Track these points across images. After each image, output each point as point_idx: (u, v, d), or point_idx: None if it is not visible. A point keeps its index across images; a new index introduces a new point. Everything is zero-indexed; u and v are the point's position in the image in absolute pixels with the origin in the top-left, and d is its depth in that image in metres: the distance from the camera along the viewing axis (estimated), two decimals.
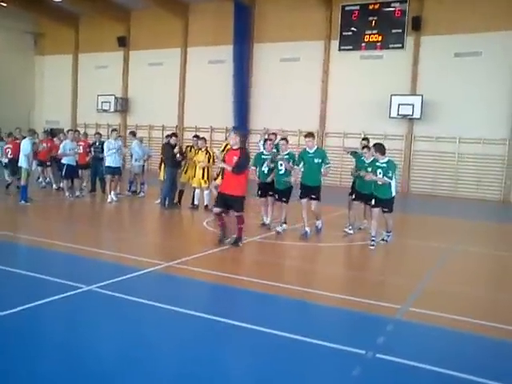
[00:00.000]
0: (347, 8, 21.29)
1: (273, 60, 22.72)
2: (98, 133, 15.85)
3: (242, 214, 8.41)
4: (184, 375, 3.98)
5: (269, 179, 10.08)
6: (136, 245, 8.78)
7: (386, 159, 8.81)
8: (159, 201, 12.86)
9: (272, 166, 9.97)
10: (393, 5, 20.53)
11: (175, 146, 12.72)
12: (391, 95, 19.67)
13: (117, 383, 3.79)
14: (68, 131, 14.85)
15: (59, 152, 13.78)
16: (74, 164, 13.72)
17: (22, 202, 12.10)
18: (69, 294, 5.59)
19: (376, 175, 8.77)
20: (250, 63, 23.26)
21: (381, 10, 20.76)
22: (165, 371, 3.98)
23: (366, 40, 21.08)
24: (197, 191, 12.51)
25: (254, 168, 10.47)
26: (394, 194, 8.91)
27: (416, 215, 14.65)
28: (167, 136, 13.43)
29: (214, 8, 23.68)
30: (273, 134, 10.89)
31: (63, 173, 13.71)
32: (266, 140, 10.50)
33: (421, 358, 4.25)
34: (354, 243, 9.55)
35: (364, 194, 9.73)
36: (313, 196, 9.51)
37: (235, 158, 8.17)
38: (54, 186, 15.24)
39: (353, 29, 21.26)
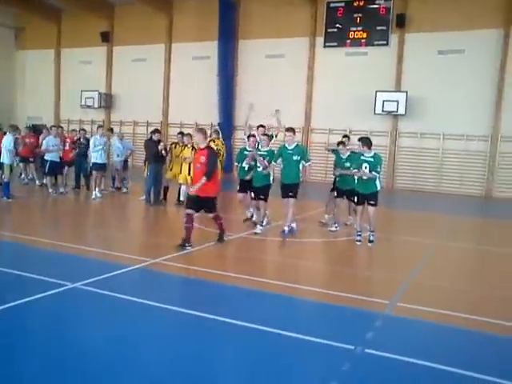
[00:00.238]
0: (332, 5, 21.30)
1: (258, 57, 22.65)
2: (82, 129, 15.66)
3: (217, 213, 8.25)
4: (172, 372, 3.94)
5: (247, 177, 9.86)
6: (121, 242, 8.70)
7: (372, 153, 8.77)
8: (144, 197, 12.77)
9: (252, 163, 9.72)
10: (377, 2, 20.58)
11: (158, 142, 12.67)
12: (376, 92, 19.74)
13: (104, 381, 3.74)
14: (51, 127, 14.64)
15: (42, 148, 13.61)
16: (58, 160, 13.56)
17: (4, 198, 11.91)
18: (53, 291, 5.52)
19: (360, 169, 8.69)
20: (235, 60, 23.16)
21: (365, 7, 20.81)
22: (152, 369, 3.94)
23: (350, 37, 21.11)
24: (183, 187, 12.41)
25: (236, 164, 10.31)
26: (379, 187, 8.84)
27: (401, 211, 14.75)
28: (151, 132, 13.33)
29: (198, 4, 23.52)
30: (261, 126, 10.56)
31: (46, 169, 13.54)
32: (249, 136, 10.32)
33: (410, 353, 4.27)
34: (340, 239, 9.55)
35: (346, 190, 9.69)
36: (290, 193, 9.12)
37: (202, 159, 7.87)
38: (37, 182, 15.02)
39: (338, 25, 21.28)
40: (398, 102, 19.57)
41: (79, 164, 14.49)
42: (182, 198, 12.44)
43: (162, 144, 12.62)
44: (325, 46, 21.50)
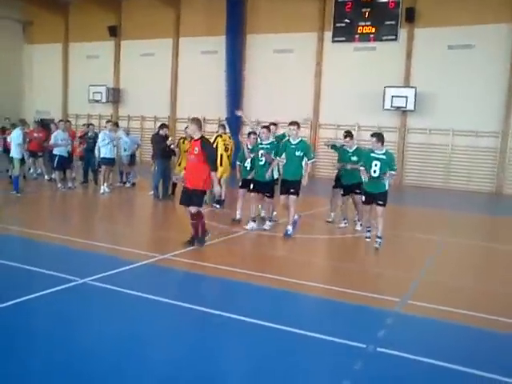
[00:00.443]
0: None
1: (266, 51, 22.55)
2: (90, 124, 15.68)
3: (200, 210, 7.76)
4: (180, 369, 3.92)
5: (249, 176, 9.61)
6: (130, 237, 8.71)
7: (383, 150, 8.34)
8: (152, 192, 12.76)
9: (251, 156, 9.49)
10: None
11: (166, 137, 12.65)
12: (385, 87, 19.61)
13: (114, 378, 3.73)
14: (59, 121, 14.67)
15: (50, 142, 13.64)
16: (66, 155, 13.58)
17: (14, 192, 11.95)
18: (63, 287, 5.52)
19: (371, 167, 8.23)
20: (243, 54, 23.07)
21: (374, 2, 20.62)
22: (160, 366, 3.93)
23: (359, 32, 20.95)
24: None
25: (238, 163, 10.10)
26: (387, 187, 8.39)
27: (409, 207, 14.67)
28: (159, 127, 13.30)
29: None
30: (273, 124, 10.15)
31: (55, 164, 13.57)
32: (249, 133, 10.13)
33: (423, 352, 4.22)
34: (348, 235, 9.48)
35: (352, 184, 9.49)
36: (291, 190, 8.74)
37: (196, 150, 7.55)
38: (46, 176, 15.07)
39: (346, 20, 21.11)
40: (406, 97, 19.42)
41: (87, 159, 14.51)
42: None
43: (170, 139, 12.60)
44: (333, 41, 21.35)
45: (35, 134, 14.88)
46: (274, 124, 10.25)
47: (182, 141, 12.65)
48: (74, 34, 27.50)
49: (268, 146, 9.19)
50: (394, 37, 20.32)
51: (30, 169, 15.57)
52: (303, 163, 8.79)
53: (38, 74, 28.79)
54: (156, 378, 3.76)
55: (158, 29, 24.60)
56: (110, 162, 13.43)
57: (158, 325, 4.77)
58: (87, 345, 4.24)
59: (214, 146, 11.65)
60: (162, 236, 9.01)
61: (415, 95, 19.30)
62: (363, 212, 9.25)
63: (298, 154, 8.72)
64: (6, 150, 14.33)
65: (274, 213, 9.97)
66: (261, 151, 9.27)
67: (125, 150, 14.50)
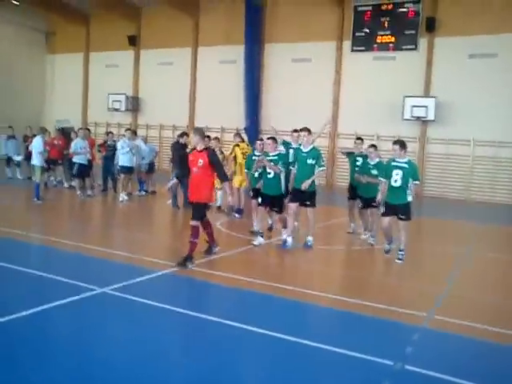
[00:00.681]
0: (360, 8, 21.05)
1: (284, 60, 22.53)
2: (110, 132, 15.77)
3: (197, 224, 7.25)
4: (199, 382, 3.83)
5: (258, 185, 9.21)
6: (149, 245, 8.66)
7: (406, 159, 7.96)
8: (170, 201, 12.74)
9: (260, 170, 9.01)
10: (406, 5, 20.27)
11: (185, 145, 12.64)
12: (404, 97, 19.42)
13: None
14: (79, 129, 14.78)
15: (70, 151, 13.74)
16: (86, 163, 13.66)
17: (35, 199, 12.04)
18: (82, 296, 5.47)
19: (391, 176, 7.83)
20: (261, 63, 23.09)
21: (394, 11, 20.50)
22: (179, 379, 3.84)
23: (378, 41, 20.82)
24: None
25: (246, 171, 9.92)
26: (410, 198, 7.95)
27: (430, 219, 14.39)
28: (179, 135, 13.30)
29: (225, 7, 23.54)
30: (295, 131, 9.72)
31: (74, 172, 13.64)
32: (257, 140, 9.98)
33: (452, 371, 4.05)
34: (367, 247, 9.21)
35: (370, 198, 9.09)
36: (307, 202, 8.40)
37: (201, 162, 7.10)
38: (66, 184, 15.18)
39: (365, 30, 21.00)
40: (426, 107, 19.19)
41: (107, 167, 14.57)
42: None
43: (189, 148, 12.57)
44: (352, 51, 21.25)
45: (55, 142, 15.02)
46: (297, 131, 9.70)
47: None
48: (95, 44, 27.86)
49: (276, 158, 8.72)
50: (413, 46, 20.14)
51: (50, 176, 15.70)
52: (316, 172, 8.41)
53: (59, 84, 29.21)
54: None
55: (177, 38, 24.78)
56: (128, 170, 13.48)
57: (178, 337, 4.68)
58: (108, 356, 4.16)
59: (232, 155, 11.67)
60: (180, 245, 8.92)
61: (435, 105, 19.07)
62: (373, 221, 9.13)
63: (310, 161, 8.33)
64: (28, 158, 14.48)
65: (296, 223, 9.76)
66: (259, 158, 9.04)
67: (143, 159, 14.54)
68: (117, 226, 10.89)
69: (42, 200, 12.12)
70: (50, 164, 14.71)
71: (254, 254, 8.24)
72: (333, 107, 21.61)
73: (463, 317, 5.44)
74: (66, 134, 17.20)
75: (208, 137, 12.94)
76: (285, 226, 8.74)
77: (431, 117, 19.19)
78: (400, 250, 8.05)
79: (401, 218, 7.90)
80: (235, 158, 11.67)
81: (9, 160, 16.90)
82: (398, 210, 7.88)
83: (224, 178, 7.40)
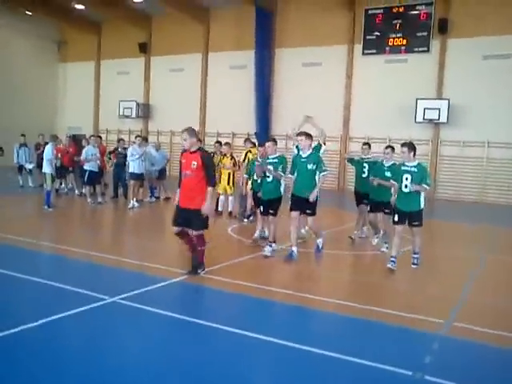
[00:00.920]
0: (370, 11, 20.93)
1: (295, 65, 22.46)
2: (121, 139, 15.77)
3: (203, 234, 6.81)
4: None
5: (260, 194, 8.88)
6: (159, 253, 8.55)
7: (415, 162, 7.67)
8: None
9: (261, 175, 8.68)
10: (418, 7, 20.10)
11: None
12: (417, 99, 19.23)
13: None
14: (90, 137, 14.79)
15: (81, 158, 13.74)
16: (97, 170, 13.64)
17: (46, 207, 12.02)
18: (92, 306, 5.36)
19: (402, 181, 7.61)
20: (272, 68, 23.04)
21: (405, 13, 20.35)
22: None
23: (390, 44, 20.68)
24: (221, 197, 12.28)
25: (245, 176, 9.66)
26: (423, 205, 7.69)
27: (444, 222, 14.15)
28: None
29: (235, 13, 23.55)
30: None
31: (85, 179, 13.64)
32: (259, 145, 9.77)
33: (474, 381, 3.88)
34: (378, 252, 9.01)
35: (381, 202, 8.86)
36: (307, 211, 8.00)
37: (195, 164, 6.59)
38: (76, 191, 15.18)
39: (376, 33, 20.88)
40: (439, 109, 18.99)
41: (117, 174, 14.55)
42: (220, 209, 12.28)
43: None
44: (363, 54, 21.12)
45: (67, 149, 15.05)
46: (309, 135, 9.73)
47: (212, 156, 12.56)
48: (106, 52, 28.04)
49: (276, 161, 8.38)
50: (425, 48, 19.96)
51: (61, 183, 15.72)
52: (316, 178, 7.96)
53: (71, 91, 29.43)
54: None
55: (187, 44, 24.83)
56: (138, 176, 13.43)
57: (191, 348, 4.56)
58: (120, 368, 4.05)
59: (246, 161, 11.53)
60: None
61: (448, 107, 18.85)
62: (385, 228, 8.89)
63: (310, 167, 7.88)
64: (40, 166, 14.48)
65: (302, 230, 9.59)
66: (257, 164, 8.85)
67: (152, 165, 14.48)
68: (127, 233, 10.82)
69: (53, 208, 12.10)
70: (61, 171, 14.73)
71: (265, 261, 8.07)
72: (344, 111, 21.47)
73: (484, 324, 5.24)
74: (77, 141, 17.27)
75: (219, 142, 12.91)
76: (317, 235, 8.55)
77: (444, 119, 18.98)
78: (415, 253, 7.87)
79: (414, 225, 7.70)
80: (248, 163, 11.57)
81: (21, 168, 16.97)
82: (411, 216, 7.64)
83: (211, 182, 6.79)
